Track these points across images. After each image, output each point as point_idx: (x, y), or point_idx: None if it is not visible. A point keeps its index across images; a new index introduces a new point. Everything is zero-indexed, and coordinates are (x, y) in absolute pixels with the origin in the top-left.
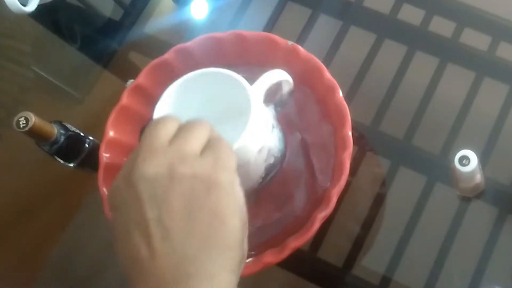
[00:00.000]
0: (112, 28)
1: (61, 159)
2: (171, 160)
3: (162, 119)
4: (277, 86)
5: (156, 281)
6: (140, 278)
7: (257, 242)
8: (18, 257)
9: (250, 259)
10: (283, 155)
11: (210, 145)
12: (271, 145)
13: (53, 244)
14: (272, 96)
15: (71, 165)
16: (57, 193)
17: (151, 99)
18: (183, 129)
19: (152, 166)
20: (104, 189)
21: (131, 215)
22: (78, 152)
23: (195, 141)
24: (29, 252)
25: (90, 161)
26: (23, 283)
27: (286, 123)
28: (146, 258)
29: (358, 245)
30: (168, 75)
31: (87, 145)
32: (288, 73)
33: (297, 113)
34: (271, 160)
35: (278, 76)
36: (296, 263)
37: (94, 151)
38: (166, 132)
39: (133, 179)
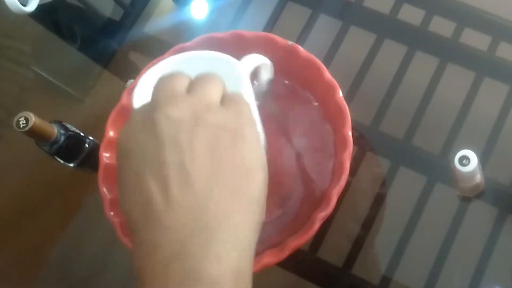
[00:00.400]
0: (112, 28)
1: (61, 159)
2: (195, 107)
3: (173, 73)
4: (255, 72)
5: (171, 233)
6: (150, 230)
7: (258, 240)
8: (18, 257)
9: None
10: (265, 148)
11: (230, 99)
12: (258, 127)
13: (53, 244)
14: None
15: (71, 165)
16: (57, 193)
17: None
18: (198, 81)
19: (177, 109)
20: (104, 189)
21: (147, 158)
22: (78, 152)
23: (214, 92)
24: (29, 252)
25: (90, 161)
26: (23, 283)
27: (277, 123)
28: (161, 207)
29: (358, 245)
30: None
31: (87, 145)
32: (287, 72)
33: (293, 113)
34: None
35: (258, 60)
36: (296, 263)
37: (94, 151)
38: (181, 83)
39: (156, 119)
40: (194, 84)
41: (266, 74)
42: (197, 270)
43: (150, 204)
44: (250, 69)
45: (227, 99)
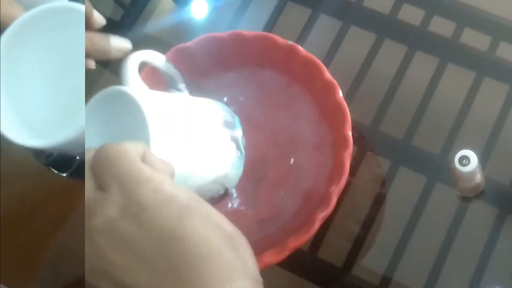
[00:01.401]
0: (112, 28)
1: (55, 169)
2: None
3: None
4: (159, 68)
5: None
6: None
7: (258, 238)
8: (17, 258)
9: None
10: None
11: (103, 178)
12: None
13: (52, 246)
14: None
15: (64, 174)
16: (56, 194)
17: None
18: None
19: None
20: None
21: None
22: (72, 161)
23: (104, 218)
24: (27, 253)
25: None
26: (22, 284)
27: (276, 123)
28: None
29: (358, 245)
30: None
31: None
32: (287, 72)
33: (292, 112)
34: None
35: (139, 57)
36: (296, 263)
37: None
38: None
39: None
40: None
41: (159, 61)
42: None
43: None
44: (133, 67)
45: (102, 179)
